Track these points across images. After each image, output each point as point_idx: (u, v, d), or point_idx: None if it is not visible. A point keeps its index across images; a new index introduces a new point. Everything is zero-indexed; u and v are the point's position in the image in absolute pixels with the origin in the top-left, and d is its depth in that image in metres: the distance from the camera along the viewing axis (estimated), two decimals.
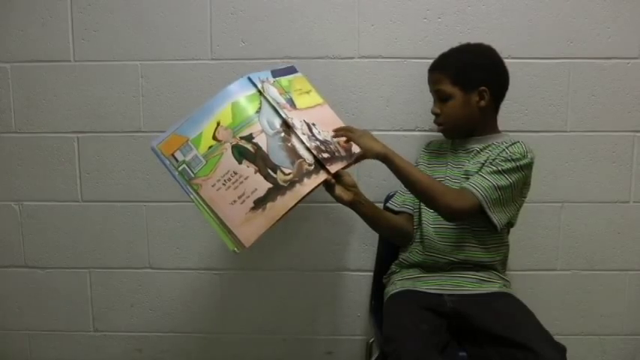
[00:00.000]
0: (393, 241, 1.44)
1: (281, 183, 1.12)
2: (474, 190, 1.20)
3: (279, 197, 1.11)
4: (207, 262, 1.66)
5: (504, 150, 1.25)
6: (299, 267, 1.65)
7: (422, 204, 1.36)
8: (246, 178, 1.12)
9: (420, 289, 1.31)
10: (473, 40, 1.36)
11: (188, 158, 1.13)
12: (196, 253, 1.66)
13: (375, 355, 1.30)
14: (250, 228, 1.11)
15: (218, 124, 1.14)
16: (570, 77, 1.54)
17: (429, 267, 1.33)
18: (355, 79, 1.56)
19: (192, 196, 1.13)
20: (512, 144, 1.26)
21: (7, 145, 1.63)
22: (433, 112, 1.34)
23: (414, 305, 1.25)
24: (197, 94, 1.58)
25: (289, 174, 1.13)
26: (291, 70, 1.33)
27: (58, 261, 1.68)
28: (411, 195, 1.38)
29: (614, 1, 1.51)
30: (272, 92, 1.20)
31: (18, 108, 1.61)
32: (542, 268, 1.63)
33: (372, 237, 1.57)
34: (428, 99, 1.38)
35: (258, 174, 1.12)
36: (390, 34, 1.55)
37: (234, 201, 1.11)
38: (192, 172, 1.13)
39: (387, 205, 1.45)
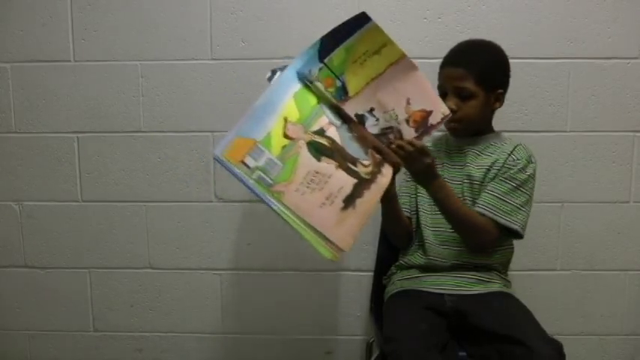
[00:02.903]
0: (396, 240, 1.40)
1: (364, 176, 1.05)
2: (508, 223, 1.22)
3: (365, 192, 1.05)
4: (207, 262, 1.66)
5: (510, 156, 1.24)
6: (299, 267, 1.65)
7: (420, 205, 1.35)
8: (329, 177, 1.03)
9: (421, 289, 1.30)
10: None
11: (261, 163, 0.99)
12: (196, 253, 1.66)
13: (375, 355, 1.30)
14: (345, 229, 1.02)
15: (285, 120, 1.02)
16: (570, 77, 1.54)
17: (429, 268, 1.33)
18: None
19: (275, 208, 0.99)
20: (514, 149, 1.25)
21: (7, 145, 1.63)
22: (449, 108, 1.25)
23: (414, 305, 1.25)
24: (197, 94, 1.58)
25: (368, 165, 1.06)
26: (355, 27, 1.06)
27: (58, 261, 1.68)
28: (410, 197, 1.37)
29: (614, 1, 1.51)
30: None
31: (18, 108, 1.61)
32: (542, 268, 1.63)
33: (372, 237, 1.56)
34: None
35: (339, 170, 1.04)
36: (390, 34, 1.54)
37: (323, 203, 1.01)
38: (270, 179, 0.99)
39: None
